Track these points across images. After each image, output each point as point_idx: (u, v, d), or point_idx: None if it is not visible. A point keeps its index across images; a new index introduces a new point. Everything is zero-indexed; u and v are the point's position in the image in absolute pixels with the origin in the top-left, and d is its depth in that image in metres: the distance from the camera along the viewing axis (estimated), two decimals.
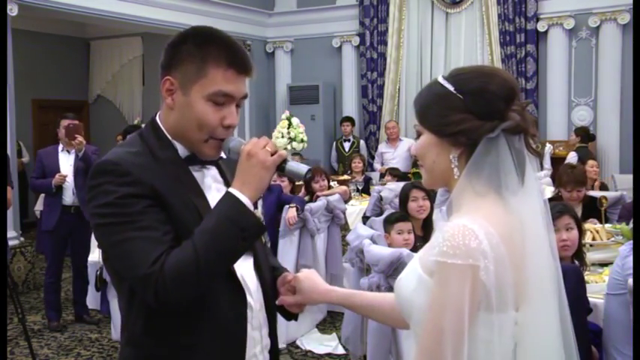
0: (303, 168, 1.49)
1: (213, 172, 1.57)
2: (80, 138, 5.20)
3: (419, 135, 1.38)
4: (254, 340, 1.54)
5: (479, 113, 1.27)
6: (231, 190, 1.40)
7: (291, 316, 1.71)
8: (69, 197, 5.36)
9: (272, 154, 1.42)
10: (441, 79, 1.35)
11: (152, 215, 1.37)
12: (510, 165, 1.26)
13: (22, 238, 6.84)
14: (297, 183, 6.18)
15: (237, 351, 1.49)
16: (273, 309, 1.63)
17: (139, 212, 1.36)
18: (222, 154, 1.54)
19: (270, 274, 1.65)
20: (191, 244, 1.34)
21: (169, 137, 1.50)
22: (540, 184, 1.33)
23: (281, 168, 1.45)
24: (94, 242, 5.96)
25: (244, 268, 1.53)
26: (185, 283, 1.33)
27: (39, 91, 10.54)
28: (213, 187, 1.54)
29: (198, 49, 1.44)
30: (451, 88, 1.31)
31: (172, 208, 1.40)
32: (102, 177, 1.39)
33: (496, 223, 1.21)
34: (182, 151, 1.51)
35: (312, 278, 1.66)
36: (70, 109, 10.30)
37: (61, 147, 5.43)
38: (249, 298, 1.51)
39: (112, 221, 1.36)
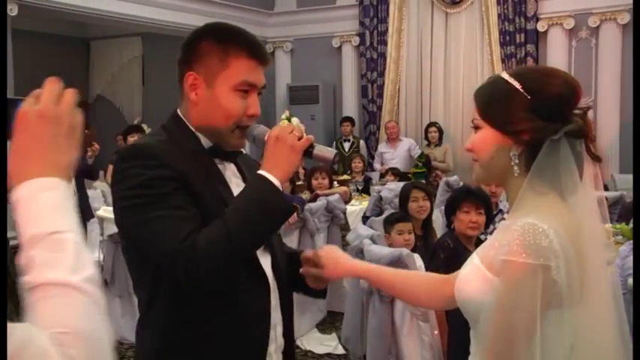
0: (330, 152, 1.51)
1: (232, 167, 1.60)
2: (97, 145, 5.50)
3: (476, 128, 1.39)
4: (269, 339, 1.54)
5: (544, 114, 1.27)
6: (261, 172, 1.43)
7: (316, 293, 1.72)
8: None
9: (299, 139, 1.45)
10: (506, 76, 1.35)
11: (180, 196, 1.39)
12: (572, 168, 1.26)
13: None
14: (297, 183, 6.17)
15: (258, 348, 1.51)
16: (289, 310, 1.63)
17: (168, 193, 1.38)
18: (243, 150, 1.60)
19: (286, 275, 1.65)
20: (222, 222, 1.36)
21: (192, 129, 1.54)
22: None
23: (308, 152, 1.47)
24: (92, 242, 5.97)
25: (263, 265, 1.55)
26: (216, 258, 1.34)
27: None
28: (233, 181, 1.57)
29: (219, 42, 1.49)
30: (518, 85, 1.30)
31: (199, 194, 1.43)
32: (130, 161, 1.41)
33: (561, 222, 1.21)
34: (205, 142, 1.54)
35: (333, 253, 1.66)
36: None
37: None
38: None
39: (140, 202, 1.38)
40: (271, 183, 1.40)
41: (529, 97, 1.28)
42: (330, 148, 1.52)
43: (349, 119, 9.22)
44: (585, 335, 1.24)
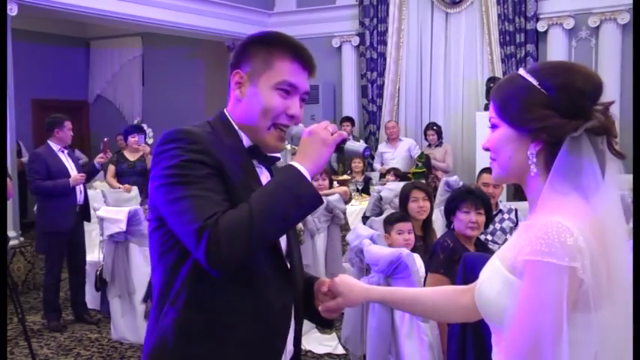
0: (361, 146, 1.56)
1: (266, 173, 1.64)
2: (110, 153, 5.96)
3: (493, 127, 1.35)
4: (287, 340, 1.57)
5: (563, 110, 1.24)
6: (291, 162, 1.47)
7: (326, 323, 1.76)
8: (79, 197, 5.41)
9: (332, 134, 1.49)
10: (523, 73, 1.31)
11: (214, 182, 1.43)
12: (594, 166, 1.23)
13: (21, 238, 6.84)
14: None
15: (278, 340, 1.53)
16: (300, 318, 1.65)
17: (204, 176, 1.42)
18: (280, 155, 1.65)
19: (302, 284, 1.67)
20: (247, 205, 1.38)
21: (235, 127, 1.59)
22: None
23: (340, 148, 1.52)
24: (91, 242, 5.97)
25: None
26: (237, 239, 1.35)
27: (39, 91, 10.53)
28: None
29: (266, 46, 1.57)
30: (535, 82, 1.27)
31: (232, 186, 1.46)
32: (171, 143, 1.45)
33: (585, 221, 1.18)
34: (246, 141, 1.59)
35: (347, 280, 1.67)
36: (70, 109, 10.38)
37: (57, 147, 5.43)
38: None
39: (176, 181, 1.41)
40: (299, 170, 1.43)
41: (547, 94, 1.25)
42: (360, 143, 1.57)
43: (349, 119, 9.22)
44: (610, 341, 1.20)
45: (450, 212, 3.55)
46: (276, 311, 1.52)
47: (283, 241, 1.59)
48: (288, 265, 1.57)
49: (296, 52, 1.57)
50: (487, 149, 1.37)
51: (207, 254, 1.34)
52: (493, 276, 1.28)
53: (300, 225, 4.37)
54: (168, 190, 1.42)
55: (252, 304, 1.47)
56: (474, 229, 3.44)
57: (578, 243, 1.13)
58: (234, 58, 1.61)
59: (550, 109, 1.24)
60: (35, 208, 5.78)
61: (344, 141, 1.52)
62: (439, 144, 8.47)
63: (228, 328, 1.46)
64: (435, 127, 8.49)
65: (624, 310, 1.21)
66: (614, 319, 1.19)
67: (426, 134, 8.60)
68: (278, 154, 1.65)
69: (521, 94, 1.28)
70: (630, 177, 1.88)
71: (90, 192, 5.90)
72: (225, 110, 1.63)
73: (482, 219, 3.46)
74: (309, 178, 1.44)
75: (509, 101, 1.30)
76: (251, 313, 1.47)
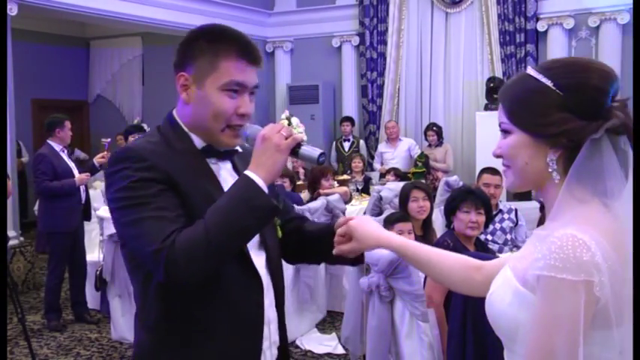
0: (316, 152, 1.50)
1: (228, 166, 1.62)
2: (109, 153, 5.76)
3: (505, 133, 1.26)
4: (264, 335, 1.56)
5: (581, 112, 1.15)
6: (246, 172, 1.44)
7: (354, 261, 1.73)
8: (82, 197, 5.42)
9: (286, 138, 1.46)
10: (534, 73, 1.22)
11: (166, 198, 1.42)
12: (616, 169, 1.14)
13: (21, 238, 6.84)
14: (297, 183, 6.18)
15: (254, 339, 1.52)
16: (282, 306, 1.65)
17: (154, 194, 1.41)
18: (239, 148, 1.60)
19: (281, 273, 1.66)
20: (202, 222, 1.38)
21: (186, 129, 1.56)
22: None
23: (295, 152, 1.48)
24: (91, 242, 5.98)
25: (257, 263, 1.56)
26: (194, 258, 1.35)
27: (39, 91, 10.54)
28: (229, 181, 1.57)
29: (210, 44, 1.51)
30: (549, 83, 1.18)
31: (187, 196, 1.45)
32: (120, 163, 1.44)
33: (605, 233, 1.10)
34: (198, 142, 1.56)
35: (365, 224, 1.60)
36: (70, 109, 10.37)
37: (59, 147, 5.44)
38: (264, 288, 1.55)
39: (129, 203, 1.41)
40: (253, 181, 1.41)
41: (562, 94, 1.17)
42: (316, 148, 1.51)
43: (349, 119, 9.22)
44: (629, 357, 1.13)
45: (450, 212, 3.55)
46: (246, 310, 1.51)
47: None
48: (254, 262, 1.54)
49: (241, 47, 1.52)
50: (499, 156, 1.28)
51: (165, 276, 1.35)
52: (504, 287, 1.23)
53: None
54: (121, 214, 1.42)
55: (221, 309, 1.47)
56: (473, 229, 3.44)
57: (595, 259, 1.06)
58: (178, 58, 1.55)
59: (567, 111, 1.16)
60: (36, 208, 5.78)
61: (298, 145, 1.48)
62: (439, 144, 8.47)
63: (202, 336, 1.47)
64: (434, 128, 8.47)
65: None
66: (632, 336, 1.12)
67: (426, 134, 8.59)
68: (237, 147, 1.60)
69: (534, 96, 1.20)
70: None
71: (90, 192, 5.91)
72: (173, 112, 1.60)
73: (482, 219, 3.46)
74: (264, 188, 1.41)
75: (521, 105, 1.22)
76: (222, 318, 1.48)
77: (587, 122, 1.15)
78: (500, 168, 1.34)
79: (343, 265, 1.74)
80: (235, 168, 1.63)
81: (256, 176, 1.42)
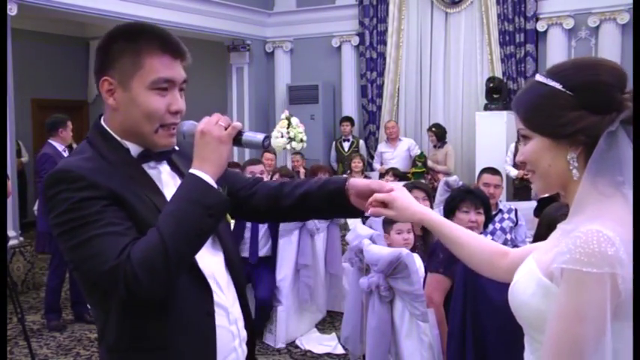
0: (259, 137, 1.47)
1: (167, 168, 1.56)
2: None
3: (525, 139, 1.30)
4: (232, 333, 1.55)
5: (595, 108, 1.20)
6: (191, 170, 1.39)
7: (356, 212, 1.69)
8: None
9: (226, 128, 1.42)
10: (541, 79, 1.27)
11: (112, 213, 1.36)
12: (631, 158, 1.19)
13: (21, 238, 6.83)
14: None
15: (208, 349, 1.49)
16: (246, 303, 1.64)
17: (98, 212, 1.34)
18: (176, 147, 1.54)
19: (240, 265, 1.64)
20: (156, 230, 1.32)
21: (118, 138, 1.49)
22: None
23: (238, 140, 1.45)
24: None
25: (214, 264, 1.53)
26: (154, 269, 1.30)
27: (38, 91, 10.53)
28: (170, 183, 1.54)
29: (130, 43, 1.44)
30: (558, 85, 1.23)
31: (131, 207, 1.39)
32: (56, 186, 1.37)
33: (628, 228, 1.14)
34: (134, 149, 1.50)
35: (405, 197, 1.61)
36: (70, 109, 10.37)
37: (61, 147, 5.45)
38: (219, 295, 1.51)
39: (73, 226, 1.35)
40: (200, 179, 1.37)
41: (572, 94, 1.21)
42: (258, 133, 1.49)
43: (349, 119, 9.22)
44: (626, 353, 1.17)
45: (449, 212, 3.55)
46: (199, 321, 1.47)
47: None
48: (212, 263, 1.52)
49: (163, 42, 1.45)
50: (523, 162, 1.32)
51: (128, 292, 1.29)
52: (527, 277, 1.26)
53: None
54: (67, 237, 1.36)
55: (174, 322, 1.44)
56: (473, 229, 3.43)
57: (619, 254, 1.10)
58: (98, 63, 1.47)
59: (580, 109, 1.20)
60: (35, 208, 5.76)
61: (240, 133, 1.44)
62: (441, 146, 8.36)
63: (160, 352, 1.44)
64: (433, 129, 8.37)
65: None
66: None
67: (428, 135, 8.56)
68: (174, 146, 1.54)
69: (546, 101, 1.24)
70: None
71: None
72: (101, 122, 1.51)
73: (481, 218, 3.46)
74: (213, 184, 1.37)
75: (535, 111, 1.26)
76: (176, 331, 1.44)
77: (601, 117, 1.19)
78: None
79: (343, 214, 1.71)
80: (175, 167, 1.58)
81: (203, 173, 1.37)
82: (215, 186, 1.38)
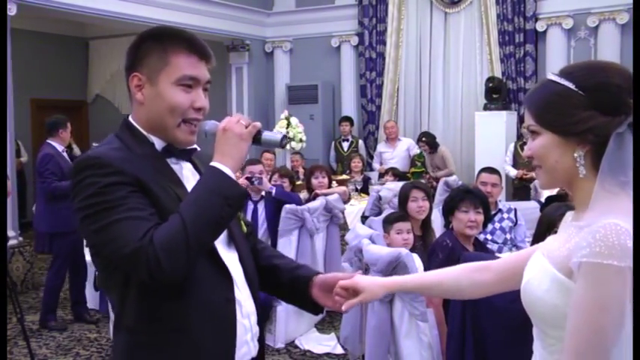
0: (278, 136, 1.58)
1: (189, 166, 1.65)
2: None
3: (534, 135, 1.34)
4: (245, 327, 1.59)
5: (605, 109, 1.24)
6: (212, 163, 1.47)
7: (318, 309, 1.79)
8: None
9: (246, 127, 1.51)
10: (555, 78, 1.31)
11: (136, 199, 1.42)
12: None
13: (20, 238, 6.83)
14: (297, 183, 6.17)
15: (227, 334, 1.54)
16: (258, 299, 1.68)
17: (123, 197, 1.41)
18: (197, 147, 1.63)
19: (254, 266, 1.70)
20: (178, 215, 1.39)
21: (144, 133, 1.58)
22: None
23: (257, 139, 1.54)
24: None
25: (229, 260, 1.59)
26: (175, 251, 1.36)
27: (38, 91, 10.52)
28: (191, 179, 1.60)
29: (158, 42, 1.55)
30: (571, 85, 1.27)
31: (155, 196, 1.46)
32: (84, 172, 1.44)
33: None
34: (158, 144, 1.58)
35: (366, 277, 1.70)
36: (69, 109, 10.37)
37: (60, 147, 5.44)
38: (235, 285, 1.57)
39: (98, 209, 1.40)
40: (221, 171, 1.45)
41: (584, 94, 1.25)
42: (277, 132, 1.59)
43: (348, 119, 9.23)
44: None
45: (448, 212, 3.56)
46: (219, 306, 1.52)
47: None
48: (226, 260, 1.56)
49: (190, 44, 1.55)
50: (530, 157, 1.37)
51: (150, 274, 1.35)
52: (541, 275, 1.30)
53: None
54: (91, 220, 1.41)
55: (194, 307, 1.48)
56: (472, 229, 3.45)
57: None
58: (128, 61, 1.58)
59: (591, 109, 1.24)
60: (34, 208, 5.75)
61: (259, 132, 1.53)
62: (434, 151, 8.26)
63: (178, 334, 1.48)
64: (424, 139, 8.24)
65: None
66: None
67: (418, 144, 8.42)
68: (195, 146, 1.63)
69: (559, 99, 1.28)
70: None
71: None
72: (129, 118, 1.61)
73: (480, 218, 3.47)
74: (232, 176, 1.46)
75: (546, 108, 1.30)
76: (195, 316, 1.48)
77: (611, 118, 1.23)
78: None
79: (303, 309, 1.85)
80: (196, 168, 1.66)
81: (223, 166, 1.46)
82: (235, 178, 1.46)
